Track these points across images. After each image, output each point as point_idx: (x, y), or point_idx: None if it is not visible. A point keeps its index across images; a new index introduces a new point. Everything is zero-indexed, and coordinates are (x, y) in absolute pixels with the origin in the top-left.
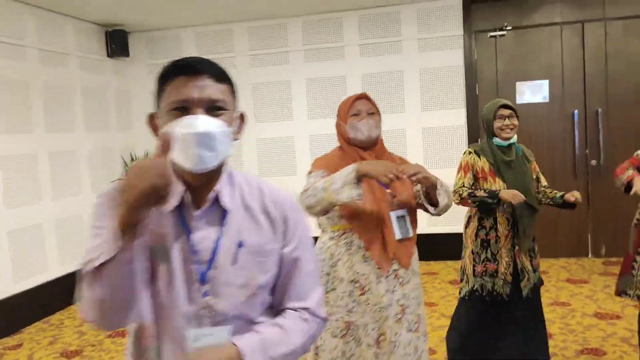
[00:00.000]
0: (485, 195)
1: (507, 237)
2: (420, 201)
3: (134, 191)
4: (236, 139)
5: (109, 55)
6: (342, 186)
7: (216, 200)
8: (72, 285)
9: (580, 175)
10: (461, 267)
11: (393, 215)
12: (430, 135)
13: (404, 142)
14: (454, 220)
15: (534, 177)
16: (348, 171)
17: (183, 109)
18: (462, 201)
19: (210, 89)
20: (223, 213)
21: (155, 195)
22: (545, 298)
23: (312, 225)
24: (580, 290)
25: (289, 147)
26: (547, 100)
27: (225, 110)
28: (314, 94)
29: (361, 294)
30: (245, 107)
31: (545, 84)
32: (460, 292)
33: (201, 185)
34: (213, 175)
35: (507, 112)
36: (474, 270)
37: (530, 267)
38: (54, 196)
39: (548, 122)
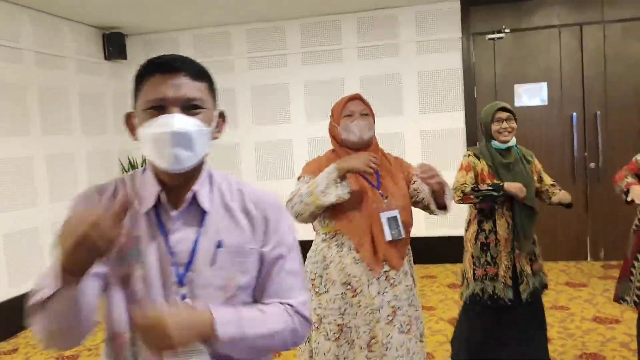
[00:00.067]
0: (490, 188)
1: (507, 240)
2: (423, 201)
3: (69, 239)
4: (215, 138)
5: (106, 58)
6: (326, 187)
7: (194, 200)
8: None
9: (579, 179)
10: (462, 271)
11: (383, 216)
12: (428, 138)
13: (402, 145)
14: (451, 223)
15: (535, 177)
16: (329, 171)
17: (159, 107)
18: (464, 198)
19: (186, 87)
20: (202, 213)
21: (90, 245)
22: (544, 302)
23: (306, 228)
24: (579, 293)
25: (287, 149)
26: (546, 103)
27: (203, 109)
28: (312, 96)
29: (353, 296)
30: (243, 109)
31: (543, 86)
32: (460, 296)
33: (179, 185)
34: (191, 175)
35: (505, 115)
36: (474, 274)
37: (529, 271)
38: (51, 199)
39: (546, 125)
